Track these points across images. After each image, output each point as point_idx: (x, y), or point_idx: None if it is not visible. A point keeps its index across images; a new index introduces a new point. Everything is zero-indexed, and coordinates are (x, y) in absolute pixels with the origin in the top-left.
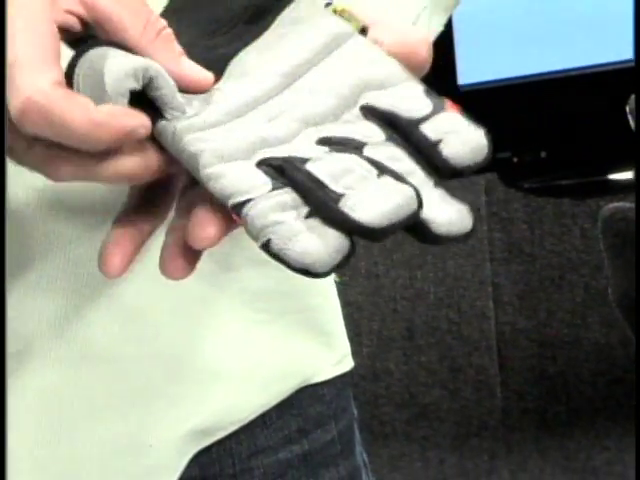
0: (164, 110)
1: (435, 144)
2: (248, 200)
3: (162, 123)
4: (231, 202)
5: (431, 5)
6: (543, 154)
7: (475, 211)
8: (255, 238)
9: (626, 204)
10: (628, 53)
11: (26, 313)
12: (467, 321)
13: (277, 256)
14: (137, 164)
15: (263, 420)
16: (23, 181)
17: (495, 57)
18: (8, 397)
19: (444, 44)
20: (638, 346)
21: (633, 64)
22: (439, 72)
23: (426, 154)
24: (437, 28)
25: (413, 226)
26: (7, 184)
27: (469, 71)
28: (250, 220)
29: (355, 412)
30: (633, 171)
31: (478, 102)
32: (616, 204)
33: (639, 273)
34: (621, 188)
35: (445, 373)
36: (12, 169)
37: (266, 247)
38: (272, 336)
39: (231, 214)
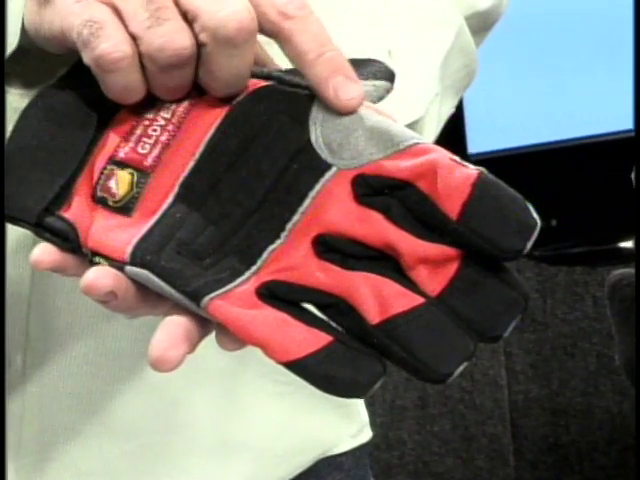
0: None
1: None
2: None
3: None
4: None
5: (443, 91)
6: (554, 222)
7: None
8: None
9: (632, 270)
10: None
11: (49, 387)
12: (480, 390)
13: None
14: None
15: None
16: None
17: (505, 126)
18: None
19: (454, 113)
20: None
21: None
22: (449, 141)
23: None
24: (449, 112)
25: None
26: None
27: (479, 140)
28: None
29: None
30: (633, 239)
31: (488, 171)
32: (622, 270)
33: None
34: (632, 255)
35: (458, 442)
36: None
37: None
38: (291, 409)
39: None
